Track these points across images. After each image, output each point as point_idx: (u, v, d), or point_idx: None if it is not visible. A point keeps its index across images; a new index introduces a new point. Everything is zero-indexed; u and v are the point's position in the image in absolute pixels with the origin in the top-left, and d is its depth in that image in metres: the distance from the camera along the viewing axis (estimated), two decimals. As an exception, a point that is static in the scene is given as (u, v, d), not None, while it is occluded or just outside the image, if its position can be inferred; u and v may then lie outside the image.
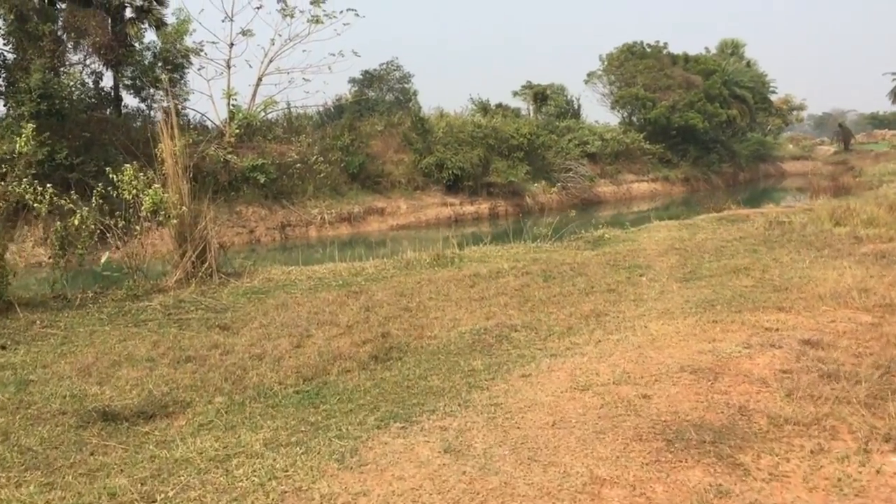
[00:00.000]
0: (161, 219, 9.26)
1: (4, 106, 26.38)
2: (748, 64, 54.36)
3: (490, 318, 7.66)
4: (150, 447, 4.65)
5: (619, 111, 45.76)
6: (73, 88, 25.50)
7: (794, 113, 62.69)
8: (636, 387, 5.34)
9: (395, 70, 52.44)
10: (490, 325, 7.20)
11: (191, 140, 27.07)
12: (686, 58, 46.11)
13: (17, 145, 9.00)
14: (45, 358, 6.69)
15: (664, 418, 4.74)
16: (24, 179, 9.15)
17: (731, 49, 56.95)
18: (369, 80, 51.50)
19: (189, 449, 4.56)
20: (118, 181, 9.86)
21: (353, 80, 51.28)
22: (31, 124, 23.76)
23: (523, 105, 43.92)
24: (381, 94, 52.17)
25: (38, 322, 7.89)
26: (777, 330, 6.64)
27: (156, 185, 9.38)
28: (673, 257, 10.85)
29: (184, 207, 9.39)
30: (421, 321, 7.63)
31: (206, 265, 9.49)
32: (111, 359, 6.57)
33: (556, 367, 5.91)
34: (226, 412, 5.24)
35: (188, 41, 30.20)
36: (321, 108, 42.99)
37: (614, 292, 8.69)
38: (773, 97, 54.65)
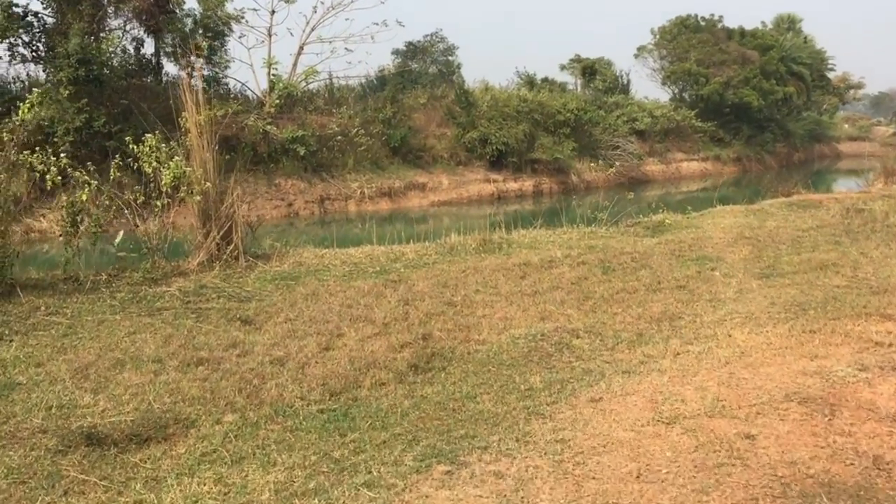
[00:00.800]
0: (183, 195, 8.33)
1: (44, 71, 25.85)
2: (805, 40, 51.93)
3: (546, 318, 6.65)
4: (137, 487, 3.75)
5: (670, 87, 44.00)
6: (113, 54, 24.80)
7: (852, 92, 60.14)
8: (734, 421, 4.31)
9: (439, 42, 51.09)
10: (547, 330, 6.18)
11: (229, 110, 26.38)
12: (742, 32, 44.06)
13: (21, 112, 8.12)
14: (41, 354, 5.84)
15: (780, 471, 3.71)
16: (61, 147, 8.41)
17: (788, 24, 54.47)
18: (413, 51, 50.25)
19: (182, 493, 3.65)
20: (138, 152, 8.97)
21: (396, 52, 50.11)
22: (66, 90, 23.30)
23: (570, 80, 42.44)
24: (425, 67, 50.92)
25: (42, 308, 7.06)
26: (890, 345, 5.55)
27: (177, 158, 8.44)
28: (745, 248, 9.71)
29: (208, 183, 8.46)
30: (467, 319, 6.66)
31: (231, 247, 8.60)
32: (114, 357, 5.71)
33: (630, 388, 4.90)
34: (235, 437, 4.33)
35: (229, 8, 29.33)
36: (364, 80, 42.16)
37: (685, 289, 7.62)
38: (830, 75, 52.35)
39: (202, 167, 8.48)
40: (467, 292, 7.63)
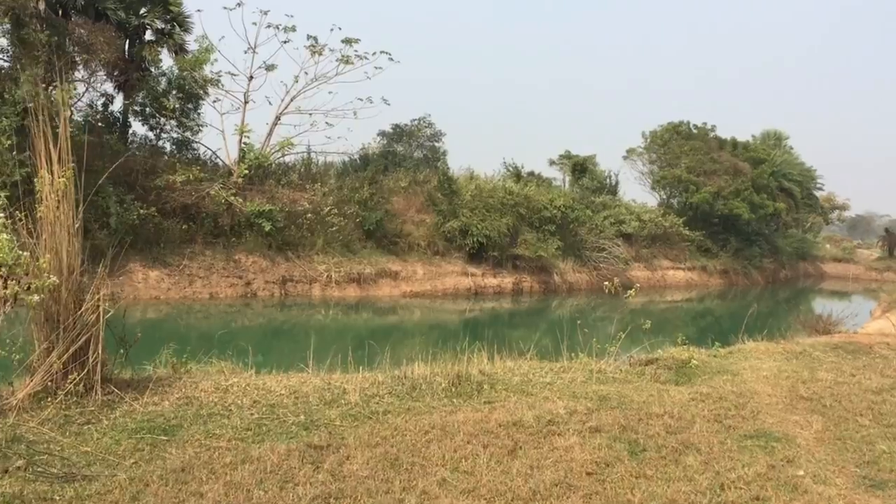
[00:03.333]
0: (11, 291, 5.36)
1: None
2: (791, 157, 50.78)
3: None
4: None
5: (658, 192, 42.17)
6: (67, 107, 22.09)
7: (836, 212, 58.94)
8: None
9: (426, 127, 49.23)
10: None
11: (191, 176, 23.74)
12: (734, 143, 42.62)
13: None
14: None
15: None
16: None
17: (774, 140, 53.48)
18: (399, 134, 48.29)
19: None
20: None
21: (382, 133, 48.18)
22: (9, 139, 20.53)
23: (558, 175, 40.50)
24: (410, 150, 48.95)
25: None
26: None
27: (4, 235, 5.44)
28: (812, 418, 6.96)
29: (53, 278, 5.48)
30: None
31: (84, 371, 5.65)
32: None
33: None
34: None
35: (206, 70, 27.01)
36: (347, 158, 39.87)
37: None
38: (817, 194, 51.00)
39: (53, 251, 5.54)
40: (427, 485, 4.74)
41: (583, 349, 9.45)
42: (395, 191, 30.10)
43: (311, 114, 26.28)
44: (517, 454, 5.46)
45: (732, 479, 5.22)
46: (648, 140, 43.02)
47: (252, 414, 5.89)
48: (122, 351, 6.16)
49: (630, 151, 43.71)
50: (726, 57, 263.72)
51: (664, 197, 42.10)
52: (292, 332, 21.75)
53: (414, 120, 49.22)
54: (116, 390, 5.83)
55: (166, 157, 25.85)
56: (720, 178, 38.94)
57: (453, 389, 7.00)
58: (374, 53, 25.99)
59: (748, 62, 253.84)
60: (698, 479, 5.18)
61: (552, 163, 39.97)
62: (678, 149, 40.34)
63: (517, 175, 35.64)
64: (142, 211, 22.16)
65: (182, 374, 6.76)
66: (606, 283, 8.92)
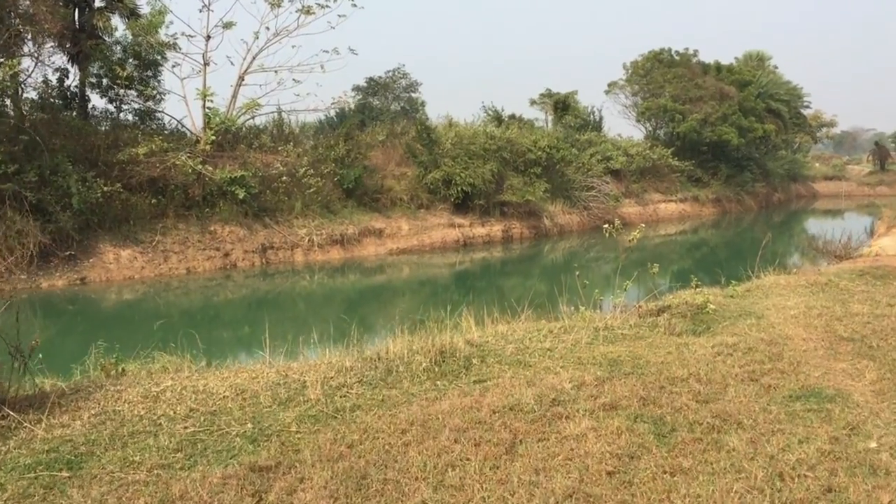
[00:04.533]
0: None
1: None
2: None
3: None
4: None
5: (644, 124, 40.73)
6: (7, 84, 20.51)
7: (824, 130, 57.52)
8: None
9: (401, 78, 47.67)
10: None
11: (154, 147, 22.25)
12: (718, 67, 41.02)
13: None
14: None
15: None
16: None
17: (757, 61, 51.85)
18: (373, 87, 46.71)
19: None
20: None
21: (356, 88, 46.54)
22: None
23: (540, 115, 38.98)
24: (387, 103, 47.41)
25: None
26: None
27: None
28: (859, 363, 5.84)
29: None
30: None
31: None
32: None
33: None
34: None
35: (162, 34, 25.30)
36: (323, 116, 38.28)
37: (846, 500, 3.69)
38: (805, 112, 49.58)
39: None
40: (403, 514, 3.58)
41: (583, 301, 8.30)
42: (373, 145, 28.65)
43: (276, 71, 24.67)
44: (517, 452, 4.29)
45: (791, 463, 4.07)
46: (630, 71, 41.39)
47: (186, 428, 4.69)
48: (16, 364, 4.91)
49: (612, 85, 42.13)
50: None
51: (650, 129, 40.69)
52: (277, 302, 20.58)
53: (388, 71, 47.57)
54: (12, 413, 4.62)
55: (129, 130, 24.31)
56: (706, 104, 37.50)
57: (437, 369, 5.81)
58: (336, 0, 24.32)
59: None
60: (749, 468, 4.03)
61: (533, 103, 38.41)
62: (661, 77, 38.77)
63: (498, 119, 34.13)
64: (105, 188, 20.72)
65: (112, 378, 5.55)
66: (606, 226, 7.71)
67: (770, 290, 8.73)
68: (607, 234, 7.67)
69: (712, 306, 7.66)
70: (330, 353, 6.24)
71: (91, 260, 20.66)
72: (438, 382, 5.60)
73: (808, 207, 45.92)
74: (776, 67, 46.87)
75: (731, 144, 37.52)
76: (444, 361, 5.91)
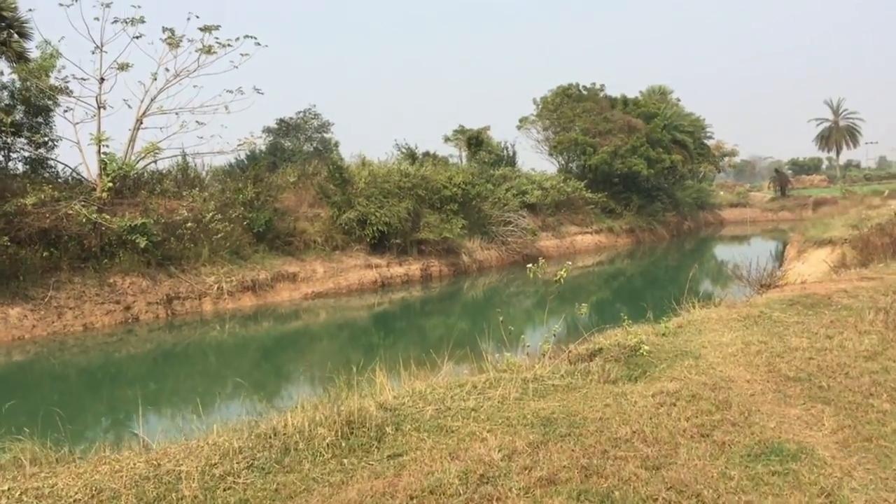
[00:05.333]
0: None
1: None
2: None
3: None
4: None
5: (556, 158, 40.87)
6: None
7: (727, 159, 59.27)
8: None
9: (312, 118, 46.77)
10: None
11: (44, 197, 20.64)
12: (625, 101, 41.68)
13: None
14: None
15: None
16: None
17: (659, 95, 53.18)
18: (284, 128, 45.63)
19: None
20: None
21: (267, 130, 45.35)
22: None
23: (454, 152, 38.66)
24: (299, 144, 46.35)
25: None
26: None
27: None
28: (813, 408, 5.24)
29: None
30: None
31: None
32: None
33: None
34: None
35: (52, 78, 23.77)
36: (234, 159, 36.92)
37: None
38: (708, 143, 50.89)
39: None
40: None
41: (507, 345, 7.54)
42: (284, 187, 27.58)
43: (176, 113, 23.42)
44: (440, 556, 3.43)
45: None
46: (540, 106, 41.63)
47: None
48: None
49: (523, 120, 42.28)
50: (607, 20, 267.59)
51: (563, 162, 40.91)
52: (185, 355, 19.20)
53: (299, 112, 46.65)
54: None
55: (19, 180, 22.58)
56: (615, 136, 37.91)
57: (343, 444, 4.89)
58: (238, 39, 23.33)
59: (626, 24, 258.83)
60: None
61: (447, 139, 38.09)
62: (571, 112, 39.09)
63: (412, 156, 33.57)
64: (-12, 242, 19.03)
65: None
66: (530, 266, 6.99)
67: (703, 326, 8.17)
68: (531, 275, 6.95)
69: (646, 347, 7.00)
70: (217, 430, 5.24)
71: None
72: (345, 461, 4.69)
73: (716, 234, 46.91)
74: (679, 100, 48.17)
75: (641, 175, 37.99)
76: (352, 433, 5.00)
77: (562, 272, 6.91)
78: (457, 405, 5.65)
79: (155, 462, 4.61)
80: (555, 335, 6.90)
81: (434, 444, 4.86)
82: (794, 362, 6.48)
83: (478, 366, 7.30)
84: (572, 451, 4.59)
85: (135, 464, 4.61)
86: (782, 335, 7.53)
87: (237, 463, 4.60)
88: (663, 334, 7.88)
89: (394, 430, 5.16)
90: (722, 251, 40.14)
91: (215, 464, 4.56)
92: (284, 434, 4.96)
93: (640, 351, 6.94)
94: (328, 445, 4.84)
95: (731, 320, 8.28)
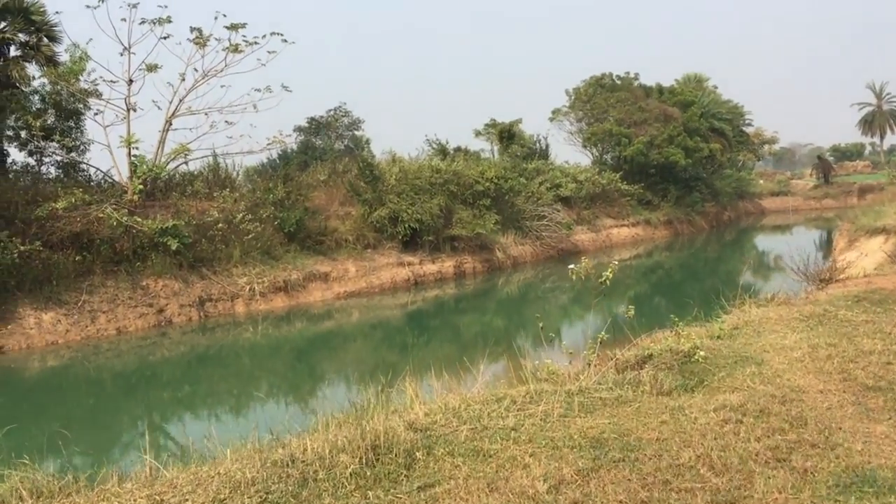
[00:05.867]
0: None
1: None
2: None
3: None
4: None
5: (590, 150, 40.00)
6: None
7: (766, 147, 57.69)
8: None
9: (343, 116, 46.31)
10: None
11: (75, 200, 20.47)
12: (660, 89, 40.64)
13: None
14: None
15: None
16: None
17: (695, 83, 51.83)
18: (315, 127, 45.26)
19: None
20: None
21: (298, 129, 45.02)
22: None
23: (485, 146, 37.97)
24: (330, 143, 45.97)
25: None
26: None
27: None
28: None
29: None
30: None
31: None
32: None
33: None
34: None
35: (83, 82, 23.64)
36: (265, 159, 36.69)
37: None
38: (747, 130, 49.51)
39: None
40: None
41: (544, 344, 6.95)
42: (314, 186, 27.20)
43: (206, 113, 23.14)
44: None
45: None
46: (573, 98, 40.76)
47: None
48: None
49: (555, 112, 41.43)
50: (640, 7, 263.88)
51: (597, 154, 40.01)
52: (219, 357, 18.91)
53: (329, 110, 46.27)
54: None
55: (51, 184, 22.49)
56: (651, 126, 36.95)
57: (368, 472, 4.34)
58: (265, 36, 22.96)
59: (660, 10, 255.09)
60: None
61: (477, 134, 37.37)
62: (604, 102, 38.19)
63: (443, 151, 32.98)
64: (22, 247, 18.83)
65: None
66: (571, 267, 6.38)
67: (761, 327, 7.48)
68: (573, 276, 6.35)
69: (702, 353, 6.35)
70: (231, 456, 4.72)
71: (9, 326, 18.69)
72: (371, 493, 4.14)
73: (756, 224, 45.66)
74: (716, 87, 46.85)
75: (679, 165, 36.97)
76: (378, 460, 4.46)
77: (608, 273, 6.29)
78: (494, 424, 5.07)
79: (158, 498, 4.10)
80: (601, 341, 6.26)
81: (470, 472, 4.29)
82: (870, 368, 5.79)
83: (515, 372, 6.72)
84: (628, 481, 3.99)
85: (136, 499, 4.11)
86: (852, 336, 6.82)
87: (249, 497, 4.07)
88: (718, 337, 7.21)
89: (425, 454, 4.59)
90: (764, 242, 39.01)
91: (224, 499, 4.04)
92: (303, 462, 4.43)
93: (696, 357, 6.30)
94: (351, 475, 4.29)
95: (792, 320, 7.57)
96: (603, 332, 6.34)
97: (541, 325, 6.56)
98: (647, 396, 5.58)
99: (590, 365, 6.16)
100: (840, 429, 4.60)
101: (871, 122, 71.84)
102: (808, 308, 7.99)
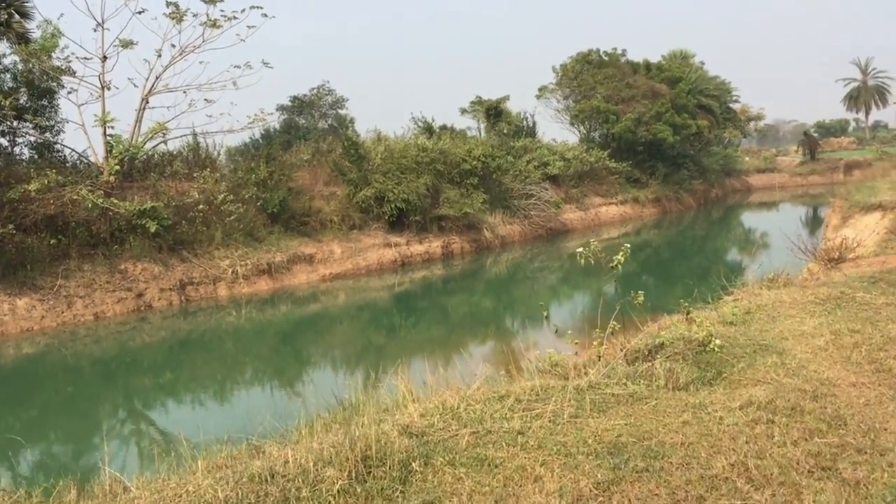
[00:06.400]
0: None
1: None
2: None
3: None
4: None
5: (577, 127, 39.35)
6: None
7: (752, 123, 57.21)
8: None
9: (326, 94, 45.55)
10: None
11: (48, 182, 19.68)
12: (648, 65, 39.98)
13: None
14: None
15: None
16: None
17: (681, 59, 51.20)
18: (298, 106, 44.46)
19: None
20: None
21: (280, 108, 44.20)
22: None
23: (472, 124, 37.28)
24: (314, 122, 45.19)
25: None
26: None
27: None
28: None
29: None
30: None
31: None
32: None
33: None
34: None
35: (56, 59, 22.74)
36: (248, 139, 35.87)
37: None
38: (734, 107, 48.96)
39: None
40: None
41: (532, 324, 6.40)
42: (298, 166, 26.46)
43: (184, 91, 22.31)
44: None
45: None
46: (560, 74, 40.04)
47: None
48: None
49: (542, 89, 40.71)
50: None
51: (584, 131, 39.39)
52: (201, 342, 18.31)
53: (312, 89, 45.49)
54: None
55: (25, 166, 21.65)
56: (639, 103, 36.34)
57: (359, 489, 3.78)
58: (243, 10, 22.11)
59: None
60: None
61: (464, 111, 36.61)
62: (592, 79, 37.50)
63: (429, 130, 32.27)
64: (-8, 232, 18.09)
65: None
66: (579, 251, 5.83)
67: (775, 311, 6.97)
68: (581, 261, 5.80)
69: (717, 341, 5.82)
70: (202, 468, 4.15)
71: (-23, 312, 18.00)
72: (362, 513, 3.58)
73: (743, 201, 45.36)
74: (703, 63, 46.23)
75: (667, 142, 36.44)
76: (369, 473, 3.90)
77: (619, 256, 5.74)
78: (499, 427, 4.52)
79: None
80: (612, 332, 5.72)
81: (474, 487, 3.75)
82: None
83: (514, 362, 6.18)
84: (656, 495, 3.46)
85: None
86: (875, 321, 6.33)
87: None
88: (731, 322, 6.69)
89: (422, 465, 4.04)
90: (754, 219, 38.68)
91: (193, 525, 3.47)
92: (284, 476, 3.87)
93: (711, 346, 5.77)
94: (339, 492, 3.73)
95: (807, 303, 7.07)
96: (615, 323, 5.79)
97: (545, 314, 6.01)
98: (663, 392, 5.05)
99: (599, 358, 5.62)
100: (885, 429, 4.10)
101: (857, 98, 71.57)
102: (823, 290, 7.49)
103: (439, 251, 26.97)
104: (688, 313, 6.54)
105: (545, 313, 6.05)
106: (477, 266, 26.87)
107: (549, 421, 4.57)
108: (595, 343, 5.90)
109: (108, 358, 17.05)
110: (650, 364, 5.58)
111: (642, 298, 6.03)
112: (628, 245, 6.08)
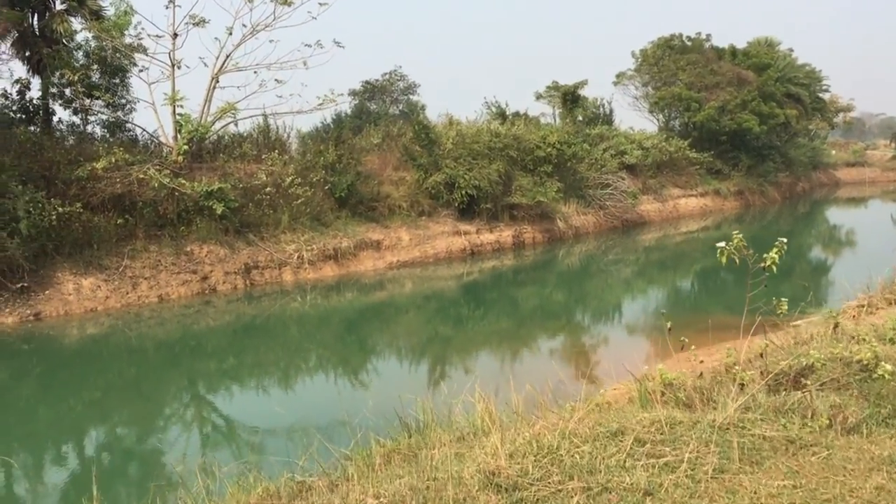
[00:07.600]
0: None
1: None
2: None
3: None
4: None
5: (656, 115, 37.41)
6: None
7: (841, 115, 53.87)
8: None
9: (398, 80, 44.62)
10: None
11: (115, 160, 19.17)
12: (734, 51, 37.68)
13: None
14: None
15: None
16: None
17: (766, 48, 48.46)
18: (370, 91, 43.66)
19: None
20: None
21: (352, 92, 43.48)
22: None
23: (546, 110, 35.78)
24: (385, 107, 44.32)
25: None
26: None
27: None
28: None
29: None
30: None
31: None
32: None
33: None
34: None
35: (128, 37, 22.30)
36: (320, 123, 35.16)
37: None
38: (823, 96, 46.01)
39: None
40: None
41: (609, 317, 5.14)
42: (367, 150, 25.55)
43: (255, 71, 21.54)
44: None
45: None
46: (640, 60, 38.11)
47: None
48: None
49: (620, 75, 38.89)
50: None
51: (664, 120, 37.43)
52: (266, 328, 17.55)
53: (385, 74, 44.62)
54: None
55: (95, 144, 21.25)
56: (723, 90, 34.21)
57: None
58: (316, -15, 21.16)
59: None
60: None
61: (539, 97, 35.15)
62: (673, 65, 35.49)
63: (502, 115, 30.95)
64: (61, 209, 17.61)
65: None
66: (720, 246, 4.55)
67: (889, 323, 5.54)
68: (721, 258, 4.53)
69: (888, 367, 4.46)
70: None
71: (47, 292, 17.59)
72: None
73: (831, 196, 42.60)
74: (791, 50, 43.47)
75: (752, 133, 34.22)
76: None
77: (772, 254, 4.44)
78: (617, 481, 3.29)
79: None
80: (762, 356, 4.41)
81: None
82: None
83: (586, 363, 4.92)
84: None
85: None
86: None
87: None
88: (890, 340, 5.29)
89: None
90: (846, 216, 36.14)
91: None
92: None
93: (881, 372, 4.41)
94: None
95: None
96: (765, 343, 4.48)
97: (668, 324, 4.75)
98: (830, 435, 3.75)
99: (743, 387, 4.33)
100: None
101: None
102: None
103: (510, 241, 25.74)
104: (836, 325, 5.18)
105: (668, 324, 4.78)
106: (549, 257, 25.57)
107: (686, 476, 3.33)
108: (725, 357, 4.62)
109: (173, 341, 16.49)
110: (802, 394, 4.28)
111: (786, 307, 4.70)
112: (784, 239, 4.75)
